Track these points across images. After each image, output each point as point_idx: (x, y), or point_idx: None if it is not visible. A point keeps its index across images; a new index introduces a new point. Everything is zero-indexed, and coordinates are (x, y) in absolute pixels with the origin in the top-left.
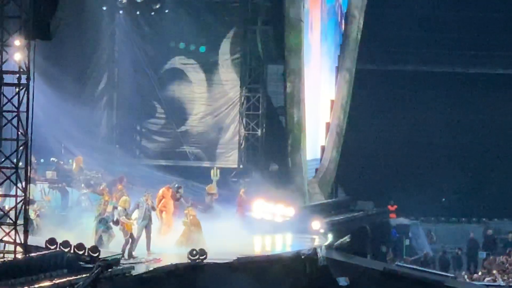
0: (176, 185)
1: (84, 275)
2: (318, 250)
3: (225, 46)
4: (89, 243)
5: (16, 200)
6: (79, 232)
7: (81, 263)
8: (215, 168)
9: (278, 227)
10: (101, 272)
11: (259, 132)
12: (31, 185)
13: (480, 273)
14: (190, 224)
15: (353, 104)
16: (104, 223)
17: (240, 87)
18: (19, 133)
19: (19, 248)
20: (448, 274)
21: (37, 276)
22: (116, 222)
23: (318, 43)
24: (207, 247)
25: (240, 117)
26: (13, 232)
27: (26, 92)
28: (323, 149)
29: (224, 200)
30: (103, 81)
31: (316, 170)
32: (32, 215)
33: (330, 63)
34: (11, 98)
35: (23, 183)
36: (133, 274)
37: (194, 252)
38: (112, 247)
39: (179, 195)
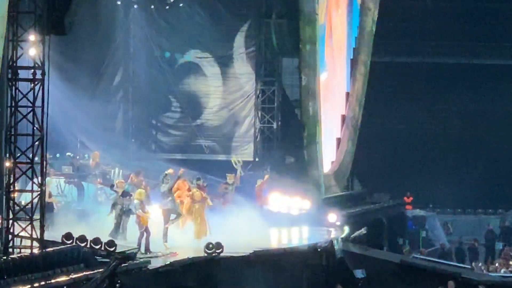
0: (197, 177)
1: (100, 270)
2: (335, 242)
3: (239, 39)
4: (105, 237)
5: (32, 195)
6: (96, 226)
7: (97, 257)
8: (234, 157)
9: (294, 220)
10: (118, 265)
11: (274, 125)
12: (47, 178)
13: (497, 264)
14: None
15: (369, 97)
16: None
17: (255, 80)
18: (35, 128)
19: (35, 243)
20: (465, 266)
21: (53, 271)
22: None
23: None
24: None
25: (255, 110)
26: (29, 227)
27: (41, 88)
28: (338, 141)
29: (240, 192)
30: (119, 75)
31: (332, 162)
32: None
33: (345, 56)
34: (26, 93)
35: (39, 178)
36: (150, 268)
37: (211, 245)
38: (128, 241)
39: (198, 186)
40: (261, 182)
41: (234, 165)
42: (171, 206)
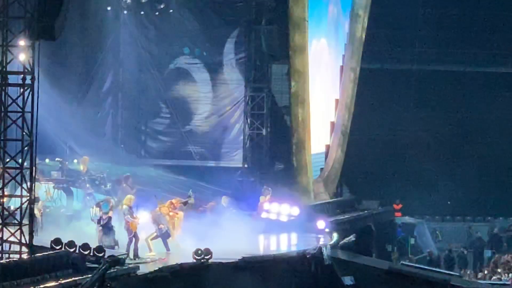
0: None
1: (89, 275)
2: (323, 249)
3: (229, 45)
4: (94, 243)
5: (21, 200)
6: (85, 232)
7: (86, 263)
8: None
9: (283, 226)
10: (108, 268)
11: (263, 132)
12: (36, 183)
13: (485, 272)
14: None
15: (358, 103)
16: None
17: (245, 86)
18: (24, 133)
19: (24, 248)
20: (454, 273)
21: (42, 276)
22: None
23: (323, 42)
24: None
25: (244, 116)
26: (18, 232)
27: (30, 93)
28: (328, 148)
29: (230, 199)
30: (108, 81)
31: (321, 169)
32: (37, 213)
33: (335, 62)
34: (16, 98)
35: (28, 184)
36: (138, 274)
37: (199, 251)
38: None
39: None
40: (264, 200)
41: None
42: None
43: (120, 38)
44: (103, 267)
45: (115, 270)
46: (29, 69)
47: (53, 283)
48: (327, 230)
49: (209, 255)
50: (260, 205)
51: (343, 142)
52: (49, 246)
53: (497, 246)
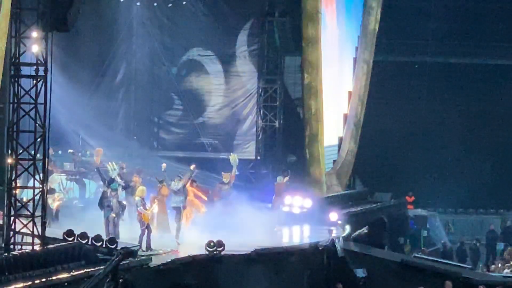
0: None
1: (102, 267)
2: (336, 241)
3: (242, 37)
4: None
5: (34, 191)
6: (97, 224)
7: (98, 254)
8: (233, 155)
9: (296, 218)
10: (121, 260)
11: (276, 124)
12: (52, 175)
13: (498, 264)
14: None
15: (371, 95)
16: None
17: (258, 78)
18: (37, 124)
19: (37, 240)
20: (466, 265)
21: (54, 268)
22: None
23: (336, 34)
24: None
25: (257, 108)
26: (31, 224)
27: (43, 84)
28: (341, 140)
29: (242, 191)
30: (121, 73)
31: (334, 161)
32: (51, 204)
33: (348, 54)
34: (29, 90)
35: (41, 175)
36: (151, 266)
37: (212, 243)
38: (129, 239)
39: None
40: (282, 181)
41: (232, 162)
42: (183, 203)
43: (133, 30)
44: (116, 259)
45: (127, 262)
46: (42, 61)
47: (65, 275)
48: (339, 222)
49: (222, 247)
50: (277, 187)
51: (356, 134)
52: (61, 238)
53: (510, 239)
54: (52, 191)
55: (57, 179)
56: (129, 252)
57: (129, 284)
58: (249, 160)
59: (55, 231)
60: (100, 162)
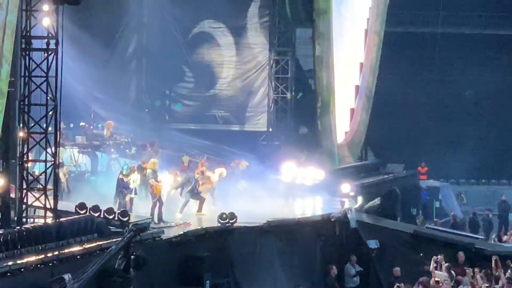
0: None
1: (114, 240)
2: (348, 213)
3: (253, 9)
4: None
5: (45, 165)
6: (109, 196)
7: (111, 227)
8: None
9: (308, 190)
10: (133, 237)
11: (288, 95)
12: (61, 148)
13: (511, 235)
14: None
15: (382, 67)
16: None
17: (269, 50)
18: (48, 98)
19: (49, 213)
20: (478, 236)
21: (67, 241)
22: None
23: (347, 5)
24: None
25: (269, 80)
26: (43, 197)
27: (54, 57)
28: (352, 111)
29: (254, 163)
30: (132, 45)
31: (346, 133)
32: (62, 177)
33: (359, 26)
34: (40, 63)
35: (53, 148)
36: (163, 238)
37: (224, 215)
38: (141, 212)
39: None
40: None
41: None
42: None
43: (144, 2)
44: (128, 235)
45: (140, 235)
46: (53, 34)
47: (77, 248)
48: (351, 193)
49: (234, 219)
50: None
51: (367, 105)
52: (73, 211)
53: None
54: (61, 164)
55: (67, 152)
56: (141, 229)
57: (141, 261)
58: (261, 132)
59: (67, 204)
60: (110, 134)
